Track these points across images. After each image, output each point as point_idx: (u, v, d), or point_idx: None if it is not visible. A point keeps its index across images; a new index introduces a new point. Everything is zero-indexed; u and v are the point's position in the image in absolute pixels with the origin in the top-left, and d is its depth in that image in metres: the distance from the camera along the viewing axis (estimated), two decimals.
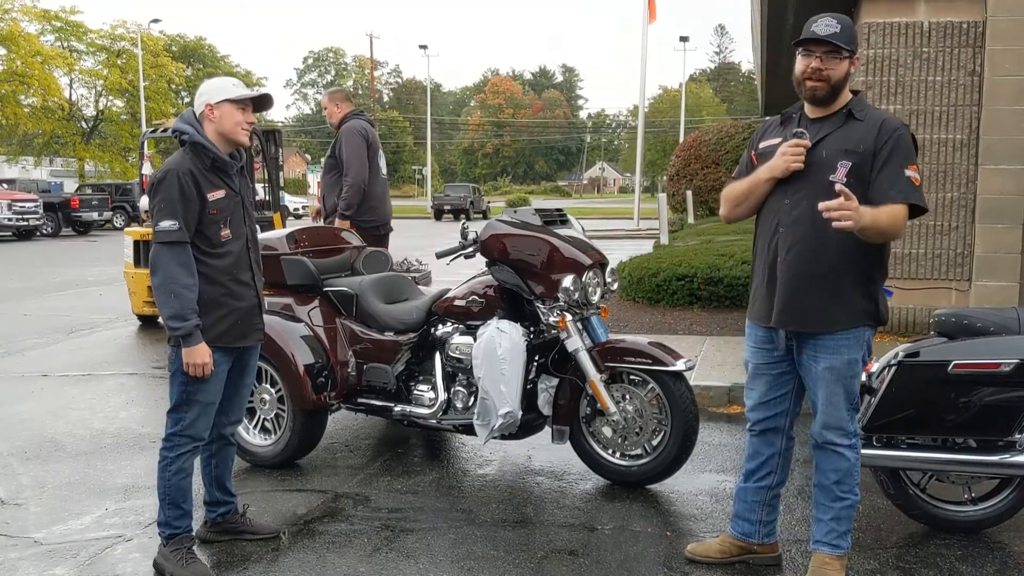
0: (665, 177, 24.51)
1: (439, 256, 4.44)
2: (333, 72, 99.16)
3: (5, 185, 27.64)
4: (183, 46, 53.59)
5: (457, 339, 4.27)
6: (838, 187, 2.70)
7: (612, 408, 4.00)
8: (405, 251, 6.93)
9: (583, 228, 4.56)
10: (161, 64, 42.23)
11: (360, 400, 4.56)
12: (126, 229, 9.53)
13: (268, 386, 4.46)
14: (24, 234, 24.01)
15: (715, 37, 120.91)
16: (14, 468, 4.54)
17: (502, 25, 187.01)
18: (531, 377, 4.18)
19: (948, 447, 3.44)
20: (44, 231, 25.11)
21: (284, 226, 8.63)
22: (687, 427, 3.96)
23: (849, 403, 2.99)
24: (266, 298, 3.75)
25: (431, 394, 4.35)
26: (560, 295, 4.02)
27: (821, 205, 2.70)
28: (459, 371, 4.27)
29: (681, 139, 32.00)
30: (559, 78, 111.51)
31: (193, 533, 3.39)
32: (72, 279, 13.59)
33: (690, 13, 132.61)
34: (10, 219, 23.29)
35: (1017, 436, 3.34)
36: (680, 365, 3.95)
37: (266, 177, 9.79)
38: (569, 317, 4.05)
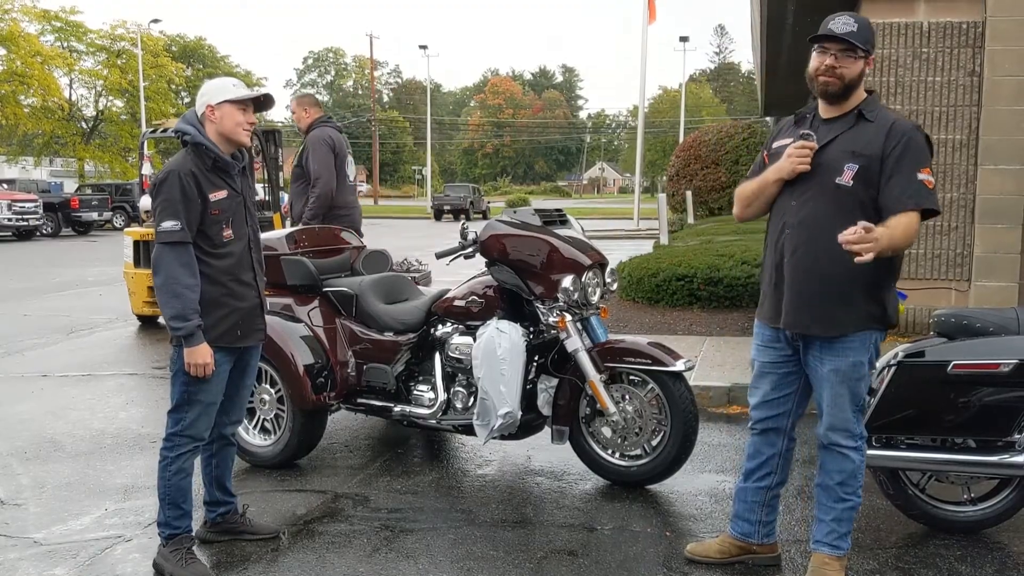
0: (665, 177, 24.52)
1: (439, 256, 4.44)
2: (333, 72, 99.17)
3: (5, 185, 27.65)
4: (183, 46, 53.59)
5: (457, 339, 4.27)
6: (860, 225, 2.64)
7: (612, 408, 4.00)
8: (405, 251, 6.93)
9: (583, 228, 4.57)
10: (161, 64, 42.22)
11: (360, 400, 4.56)
12: (126, 229, 9.54)
13: (268, 386, 4.47)
14: (24, 234, 24.01)
15: (715, 37, 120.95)
16: (14, 468, 4.54)
17: (502, 25, 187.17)
18: (531, 377, 4.18)
19: (947, 447, 3.44)
20: (44, 231, 25.12)
21: (284, 226, 8.63)
22: (687, 427, 3.96)
23: (855, 405, 2.98)
24: (267, 298, 3.76)
25: (431, 394, 4.35)
26: (560, 295, 4.02)
27: (841, 237, 2.66)
28: (459, 371, 4.27)
29: (681, 139, 32.01)
30: (559, 78, 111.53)
31: (193, 533, 3.39)
32: (72, 279, 13.59)
33: (690, 13, 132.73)
34: (10, 219, 23.29)
35: (1016, 436, 3.34)
36: (680, 365, 3.95)
37: (266, 177, 9.79)
38: (569, 317, 4.05)
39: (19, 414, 5.64)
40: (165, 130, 10.40)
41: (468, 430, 4.21)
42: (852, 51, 2.85)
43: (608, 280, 4.27)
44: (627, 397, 4.08)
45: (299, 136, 6.25)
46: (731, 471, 4.39)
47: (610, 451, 4.16)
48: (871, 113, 2.91)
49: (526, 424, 4.15)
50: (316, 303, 4.63)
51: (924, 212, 2.83)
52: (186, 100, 50.60)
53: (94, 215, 26.42)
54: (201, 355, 3.14)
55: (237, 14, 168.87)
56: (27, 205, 23.75)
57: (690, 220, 18.70)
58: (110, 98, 42.58)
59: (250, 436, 4.49)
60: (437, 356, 4.36)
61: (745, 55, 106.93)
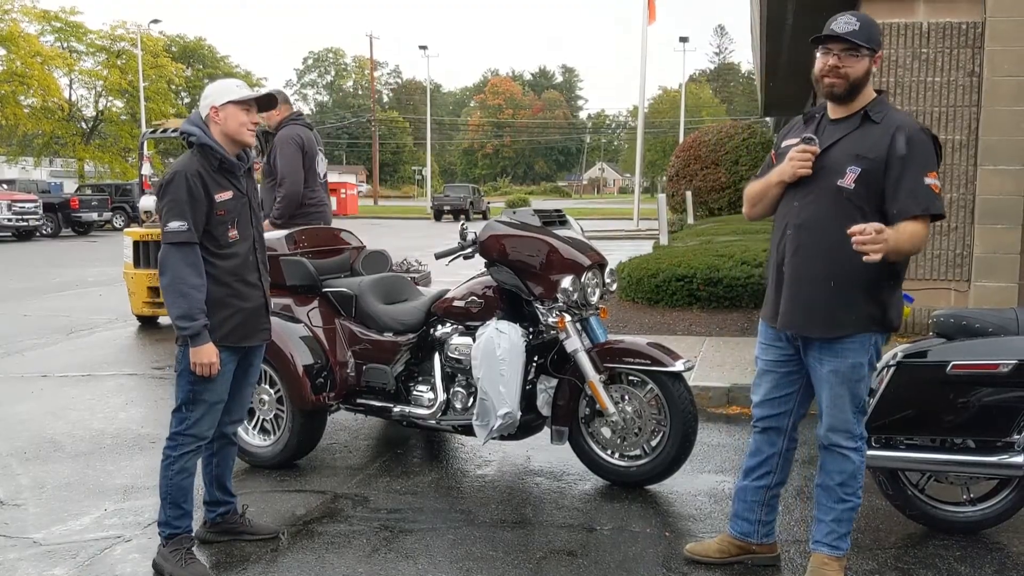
0: (665, 177, 24.51)
1: (438, 257, 4.44)
2: (333, 72, 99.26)
3: (5, 186, 27.65)
4: (183, 47, 53.60)
5: (456, 340, 4.27)
6: (872, 226, 2.63)
7: (611, 409, 4.00)
8: (405, 252, 6.93)
9: (582, 229, 4.57)
10: (161, 65, 42.22)
11: (359, 401, 4.56)
12: (126, 230, 9.54)
13: (267, 387, 4.46)
14: (24, 234, 24.01)
15: (715, 37, 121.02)
16: (13, 469, 4.54)
17: (502, 25, 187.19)
18: (530, 378, 4.18)
19: (947, 448, 3.44)
20: (44, 231, 25.13)
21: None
22: (686, 428, 3.96)
23: (855, 406, 2.98)
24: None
25: (430, 395, 4.35)
26: (559, 296, 4.02)
27: (852, 230, 2.66)
28: (458, 372, 4.28)
29: (681, 140, 32.00)
30: (559, 78, 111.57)
31: (193, 534, 3.39)
32: (72, 279, 13.59)
33: (690, 13, 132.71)
34: (10, 219, 23.30)
35: (1015, 437, 3.34)
36: (679, 366, 3.95)
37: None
38: (568, 318, 4.05)
39: (19, 414, 5.64)
40: (165, 130, 10.41)
41: (467, 430, 4.21)
42: (855, 50, 2.83)
43: (607, 280, 4.27)
44: (626, 397, 4.08)
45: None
46: (730, 471, 4.39)
47: (609, 451, 4.16)
48: (877, 115, 2.88)
49: (525, 424, 4.15)
50: (315, 303, 4.63)
51: (931, 217, 2.82)
52: (186, 100, 50.62)
53: (94, 215, 26.43)
54: (207, 354, 3.16)
55: (237, 14, 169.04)
56: (27, 205, 23.76)
57: (690, 220, 18.69)
58: (110, 98, 42.58)
59: (249, 436, 4.49)
60: (436, 356, 4.36)
61: (745, 55, 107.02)
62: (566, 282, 4.00)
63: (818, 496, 3.10)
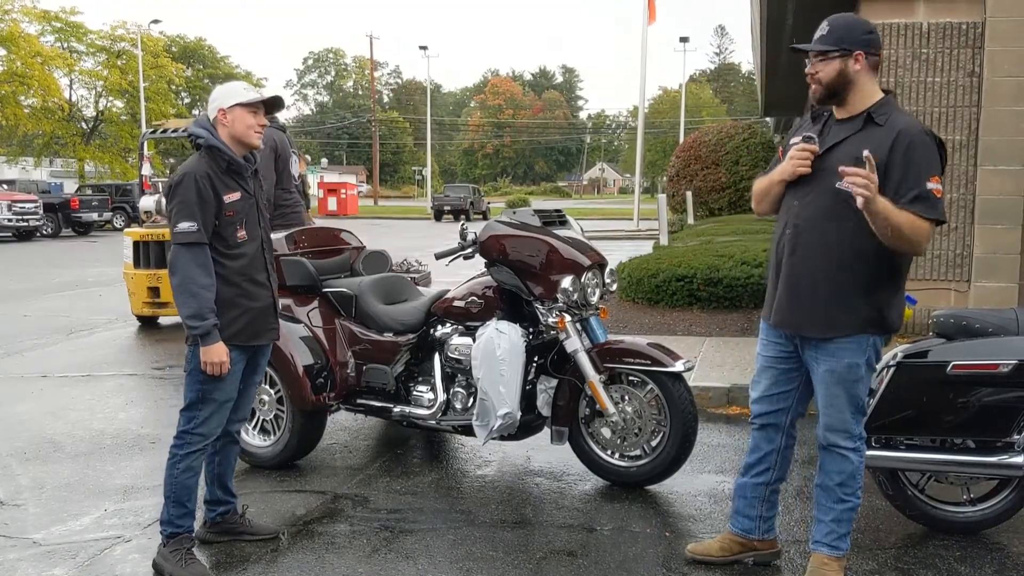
0: (665, 178, 24.51)
1: (438, 257, 4.44)
2: (333, 73, 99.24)
3: (5, 186, 27.65)
4: (183, 47, 53.56)
5: (456, 340, 4.27)
6: (865, 154, 2.66)
7: (611, 409, 4.00)
8: (405, 252, 6.93)
9: (582, 229, 4.57)
10: (161, 65, 42.20)
11: (359, 401, 4.56)
12: (126, 230, 9.54)
13: (267, 387, 4.46)
14: (24, 235, 24.01)
15: (715, 38, 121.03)
16: (13, 469, 4.54)
17: (502, 25, 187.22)
18: (530, 378, 4.18)
19: (947, 448, 3.44)
20: (44, 232, 25.13)
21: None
22: (686, 428, 3.96)
23: (853, 406, 2.98)
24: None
25: (430, 395, 4.35)
26: (559, 296, 4.02)
27: (843, 168, 2.67)
28: (458, 372, 4.28)
29: (681, 140, 31.98)
30: (559, 79, 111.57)
31: (194, 534, 3.40)
32: (72, 280, 13.59)
33: (690, 14, 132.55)
34: (10, 220, 23.29)
35: (1015, 437, 3.34)
36: (679, 366, 3.95)
37: None
38: (568, 318, 4.05)
39: (19, 414, 5.64)
40: (165, 130, 10.41)
41: (467, 431, 4.21)
42: (823, 54, 2.87)
43: (607, 281, 4.27)
44: (626, 398, 4.08)
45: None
46: (730, 472, 4.39)
47: (609, 452, 4.16)
48: (881, 116, 2.86)
49: (525, 425, 4.15)
50: (315, 304, 4.64)
51: (934, 222, 2.79)
52: (186, 101, 50.63)
53: (94, 216, 26.43)
54: (217, 354, 3.19)
55: (237, 14, 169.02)
56: (27, 206, 23.76)
57: (690, 221, 18.69)
58: (110, 99, 42.55)
59: (249, 437, 4.49)
60: (436, 357, 4.36)
61: (745, 55, 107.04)
62: (566, 282, 4.00)
63: (817, 496, 3.10)
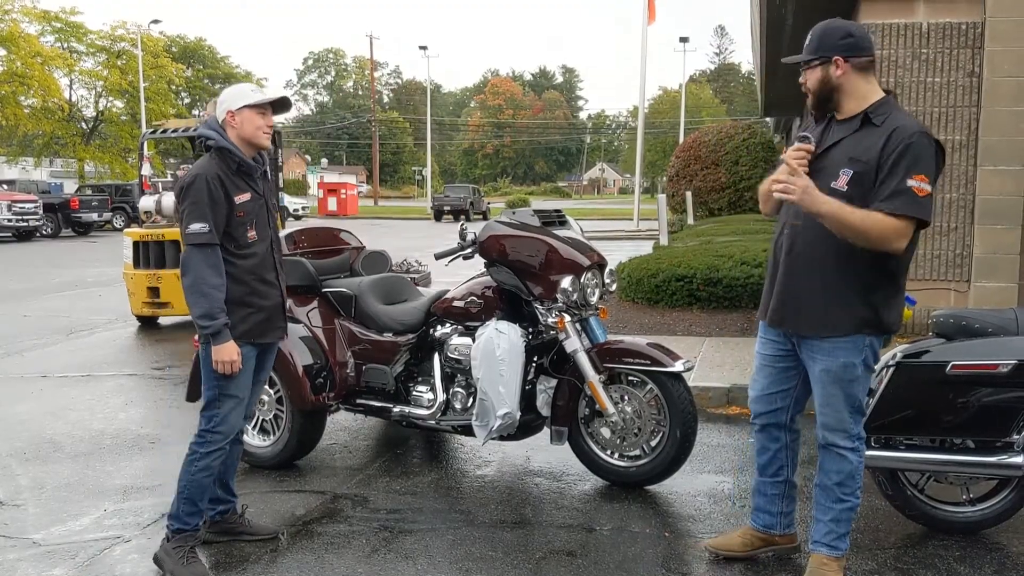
0: (665, 178, 24.50)
1: (438, 257, 4.44)
2: (333, 73, 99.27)
3: (5, 186, 27.65)
4: (183, 47, 53.57)
5: (456, 340, 4.27)
6: (784, 155, 2.81)
7: (611, 409, 4.00)
8: (405, 252, 6.93)
9: (582, 229, 4.57)
10: (161, 65, 42.20)
11: (359, 401, 4.56)
12: (126, 230, 9.54)
13: (267, 387, 4.46)
14: (24, 235, 24.02)
15: (715, 38, 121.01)
16: (13, 469, 4.54)
17: (502, 25, 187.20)
18: (530, 378, 4.18)
19: (946, 448, 3.44)
20: (44, 232, 25.14)
21: (284, 227, 8.64)
22: (685, 428, 3.96)
23: (850, 406, 2.98)
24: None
25: (430, 395, 4.35)
26: (559, 296, 4.02)
27: (774, 176, 2.85)
28: (458, 372, 4.27)
29: (681, 140, 31.98)
30: (559, 79, 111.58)
31: (199, 533, 3.41)
32: (72, 280, 13.59)
33: (690, 14, 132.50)
34: (10, 220, 23.30)
35: (1015, 437, 3.34)
36: (679, 366, 3.95)
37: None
38: (568, 318, 4.05)
39: (18, 415, 5.64)
40: (165, 131, 10.41)
41: (467, 431, 4.21)
42: (807, 63, 2.95)
43: (607, 281, 4.27)
44: (626, 398, 4.08)
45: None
46: (730, 472, 4.40)
47: (609, 452, 4.16)
48: (878, 117, 2.87)
49: (525, 425, 4.15)
50: (315, 304, 4.64)
51: (919, 222, 2.78)
52: (186, 101, 50.59)
53: (94, 216, 26.44)
54: (228, 352, 3.22)
55: (237, 14, 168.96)
56: (27, 206, 23.76)
57: (690, 221, 18.68)
58: (110, 99, 42.54)
59: (249, 437, 4.48)
60: (436, 357, 4.36)
61: (745, 56, 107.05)
62: (566, 282, 4.00)
63: (816, 496, 3.10)
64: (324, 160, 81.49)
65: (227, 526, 3.59)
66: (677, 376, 3.98)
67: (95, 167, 43.18)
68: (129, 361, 7.43)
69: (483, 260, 4.29)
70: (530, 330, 4.17)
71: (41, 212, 24.36)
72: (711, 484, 4.24)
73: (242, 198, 3.30)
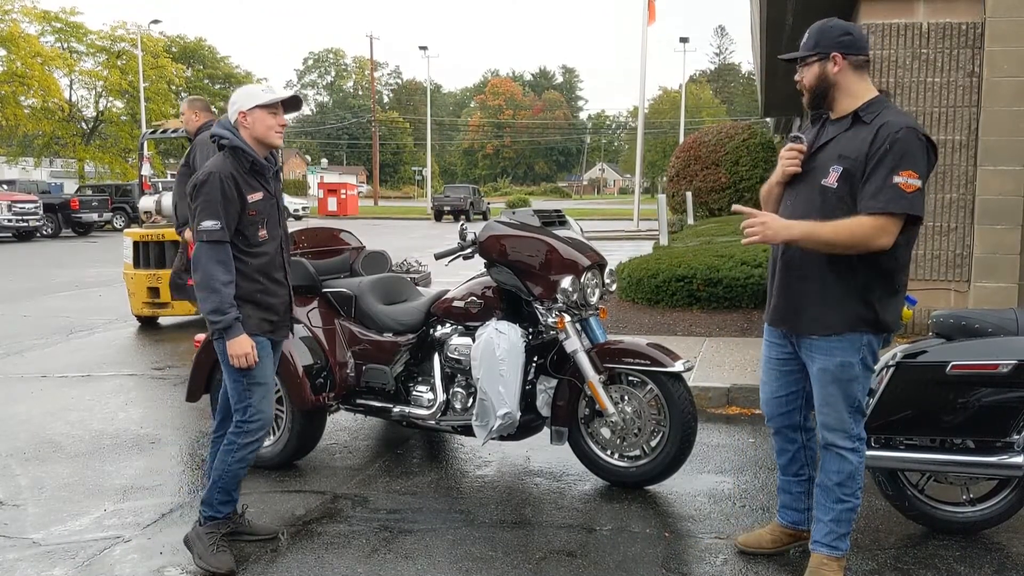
0: (665, 178, 24.50)
1: (438, 257, 4.44)
2: (333, 73, 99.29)
3: (5, 186, 27.67)
4: (183, 47, 53.51)
5: (456, 340, 4.27)
6: (735, 207, 2.86)
7: (611, 409, 4.00)
8: (405, 252, 6.93)
9: (582, 229, 4.57)
10: (161, 65, 42.20)
11: (359, 401, 4.56)
12: (126, 230, 9.54)
13: None
14: (24, 235, 24.01)
15: (715, 38, 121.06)
16: (13, 469, 4.54)
17: (502, 26, 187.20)
18: (530, 378, 4.18)
19: (946, 448, 3.44)
20: (44, 232, 25.13)
21: None
22: (685, 428, 3.96)
23: (849, 406, 2.98)
24: None
25: (430, 395, 4.35)
26: (559, 296, 4.02)
27: (743, 224, 2.91)
28: (458, 372, 4.27)
29: (681, 140, 31.97)
30: (559, 79, 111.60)
31: (232, 521, 3.45)
32: (71, 280, 13.59)
33: (690, 14, 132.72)
34: (10, 220, 23.29)
35: (1015, 437, 3.34)
36: (679, 366, 3.95)
37: None
38: (568, 318, 4.05)
39: (18, 415, 5.64)
40: (165, 131, 10.40)
41: (467, 431, 4.21)
42: (803, 60, 2.98)
43: (607, 281, 4.27)
44: (626, 398, 4.08)
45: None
46: (730, 472, 4.40)
47: (609, 452, 4.15)
48: (869, 115, 2.88)
49: (525, 425, 4.15)
50: (315, 304, 4.64)
51: (909, 218, 2.78)
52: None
53: (94, 216, 26.43)
54: (241, 346, 3.25)
55: (237, 14, 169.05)
56: (27, 206, 23.75)
57: (690, 221, 18.68)
58: (110, 99, 42.54)
59: None
60: (436, 357, 4.36)
61: (745, 56, 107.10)
62: (566, 282, 4.00)
63: (817, 496, 3.10)
64: (324, 160, 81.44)
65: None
66: (677, 376, 3.98)
67: (95, 167, 43.19)
68: (129, 361, 7.43)
69: (483, 260, 4.29)
70: (530, 330, 4.17)
71: (41, 212, 24.35)
72: (711, 484, 4.24)
73: (255, 197, 3.33)
